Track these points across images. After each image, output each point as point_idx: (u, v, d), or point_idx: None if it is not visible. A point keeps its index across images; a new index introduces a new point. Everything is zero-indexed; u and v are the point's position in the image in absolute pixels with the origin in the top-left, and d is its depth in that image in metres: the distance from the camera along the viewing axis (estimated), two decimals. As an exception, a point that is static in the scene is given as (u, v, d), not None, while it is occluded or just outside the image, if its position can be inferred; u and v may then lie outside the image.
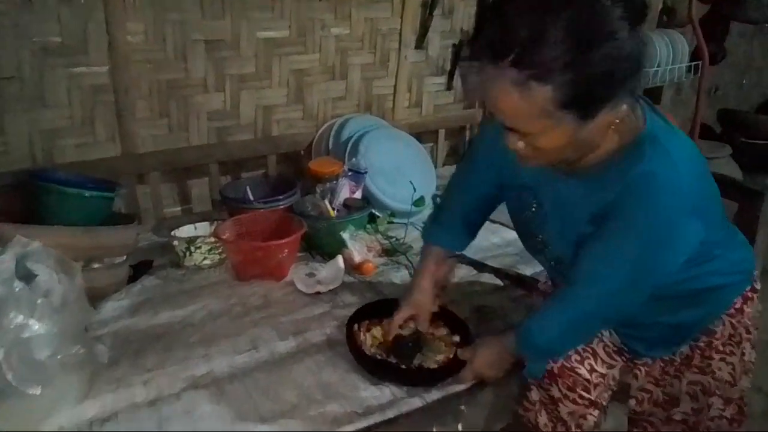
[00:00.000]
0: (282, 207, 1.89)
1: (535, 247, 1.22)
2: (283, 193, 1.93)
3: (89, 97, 1.87)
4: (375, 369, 1.28)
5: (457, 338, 1.38)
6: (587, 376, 1.19)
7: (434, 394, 1.23)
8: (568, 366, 1.20)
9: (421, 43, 2.50)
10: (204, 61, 2.03)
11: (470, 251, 1.61)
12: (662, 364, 1.19)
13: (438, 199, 1.49)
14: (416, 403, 1.20)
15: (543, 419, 1.22)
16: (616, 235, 0.99)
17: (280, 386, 1.24)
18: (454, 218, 1.36)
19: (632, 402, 1.23)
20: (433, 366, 1.29)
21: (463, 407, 1.23)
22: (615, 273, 1.01)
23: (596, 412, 1.21)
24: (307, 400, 1.20)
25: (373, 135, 2.13)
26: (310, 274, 1.71)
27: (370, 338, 1.36)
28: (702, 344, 1.14)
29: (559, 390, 1.19)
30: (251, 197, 1.96)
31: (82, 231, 1.45)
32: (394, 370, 1.28)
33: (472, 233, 1.40)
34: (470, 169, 1.34)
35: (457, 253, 1.46)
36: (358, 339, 1.34)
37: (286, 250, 1.69)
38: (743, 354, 1.14)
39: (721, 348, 1.14)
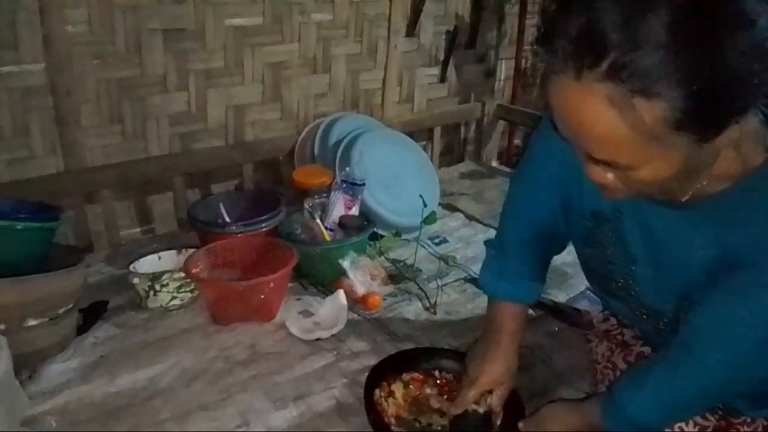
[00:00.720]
0: (265, 229, 1.59)
1: (613, 292, 1.00)
2: (263, 210, 1.63)
3: (21, 101, 1.65)
4: None
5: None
6: (677, 443, 0.98)
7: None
8: (655, 433, 0.98)
9: (412, 29, 2.33)
10: (162, 54, 1.83)
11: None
12: (765, 423, 0.98)
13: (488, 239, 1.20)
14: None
15: None
16: (753, 286, 0.76)
17: (283, 483, 0.97)
18: (521, 261, 1.11)
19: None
20: None
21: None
22: (748, 336, 0.79)
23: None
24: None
25: (366, 138, 1.87)
26: (306, 313, 1.43)
27: (393, 406, 1.08)
28: None
29: None
30: (226, 218, 1.67)
31: (8, 284, 1.12)
32: None
33: (543, 276, 1.16)
34: (527, 190, 1.09)
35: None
36: (382, 415, 1.06)
37: (272, 285, 1.39)
38: None
39: None
